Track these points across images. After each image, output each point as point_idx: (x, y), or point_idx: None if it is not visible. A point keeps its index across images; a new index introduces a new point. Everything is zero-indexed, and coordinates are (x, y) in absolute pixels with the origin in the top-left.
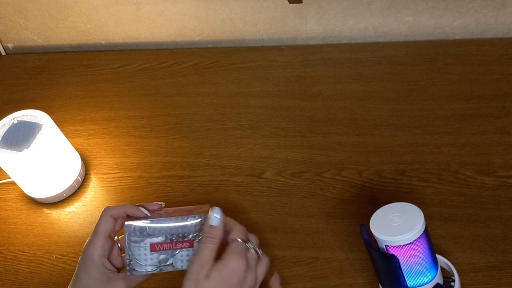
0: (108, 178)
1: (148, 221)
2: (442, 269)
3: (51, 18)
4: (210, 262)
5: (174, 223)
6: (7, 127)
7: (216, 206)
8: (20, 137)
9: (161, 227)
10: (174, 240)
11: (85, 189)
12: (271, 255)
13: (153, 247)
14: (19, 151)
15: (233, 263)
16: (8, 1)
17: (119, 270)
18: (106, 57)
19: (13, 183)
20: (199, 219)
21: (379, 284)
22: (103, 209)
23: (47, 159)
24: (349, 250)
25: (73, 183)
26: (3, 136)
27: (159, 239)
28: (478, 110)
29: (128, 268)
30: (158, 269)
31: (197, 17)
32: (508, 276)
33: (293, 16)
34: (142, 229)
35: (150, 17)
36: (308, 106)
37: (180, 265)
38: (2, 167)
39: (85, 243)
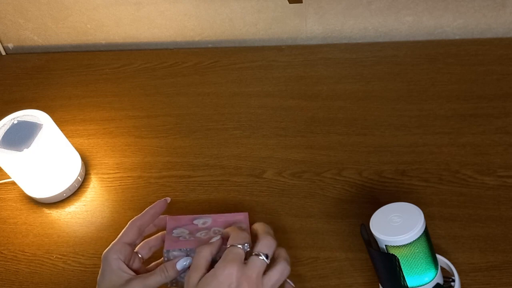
0: (108, 178)
1: (186, 249)
2: (442, 269)
3: (51, 18)
4: (201, 270)
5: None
6: (7, 127)
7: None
8: (20, 137)
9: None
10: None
11: (85, 189)
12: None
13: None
14: (19, 151)
15: (219, 271)
16: (8, 1)
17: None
18: (106, 57)
19: (13, 183)
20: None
21: (379, 284)
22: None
23: (47, 159)
24: (349, 250)
25: (73, 183)
26: (3, 136)
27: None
28: (478, 110)
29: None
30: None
31: (197, 17)
32: (508, 276)
33: (293, 16)
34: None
35: (150, 17)
36: (308, 106)
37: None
38: (2, 167)
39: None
